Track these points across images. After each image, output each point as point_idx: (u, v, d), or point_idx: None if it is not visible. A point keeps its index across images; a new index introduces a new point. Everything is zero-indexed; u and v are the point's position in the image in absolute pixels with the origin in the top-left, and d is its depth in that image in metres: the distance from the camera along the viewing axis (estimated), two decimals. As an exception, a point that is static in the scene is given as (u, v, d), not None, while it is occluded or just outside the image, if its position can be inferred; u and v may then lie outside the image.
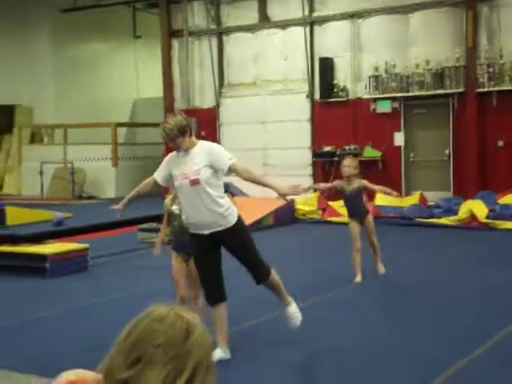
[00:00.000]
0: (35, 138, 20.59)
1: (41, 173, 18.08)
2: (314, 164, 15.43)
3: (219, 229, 4.81)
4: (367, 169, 14.39)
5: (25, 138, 20.17)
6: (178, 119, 4.80)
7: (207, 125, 16.65)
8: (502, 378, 4.57)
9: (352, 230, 7.55)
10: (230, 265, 5.15)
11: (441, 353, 5.02)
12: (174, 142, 4.79)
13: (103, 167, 18.54)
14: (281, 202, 12.82)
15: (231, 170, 4.79)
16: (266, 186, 4.93)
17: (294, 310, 5.23)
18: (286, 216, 12.37)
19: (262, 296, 6.47)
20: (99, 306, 6.74)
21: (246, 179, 4.90)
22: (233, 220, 4.83)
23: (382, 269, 7.73)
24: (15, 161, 19.94)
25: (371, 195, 13.12)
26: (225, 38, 16.59)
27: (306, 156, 15.51)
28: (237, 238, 4.89)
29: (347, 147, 14.76)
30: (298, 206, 12.66)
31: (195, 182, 4.76)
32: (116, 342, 1.38)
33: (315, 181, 15.03)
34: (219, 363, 4.82)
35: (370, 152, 14.67)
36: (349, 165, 7.43)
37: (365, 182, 7.57)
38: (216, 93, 16.58)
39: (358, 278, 7.51)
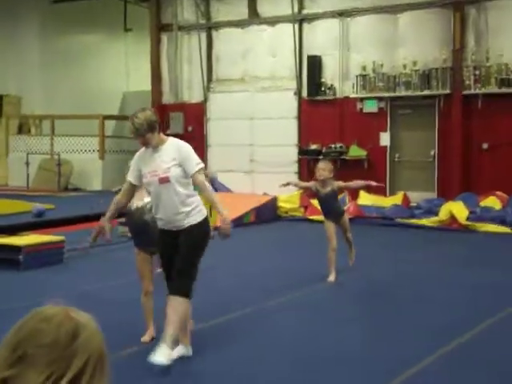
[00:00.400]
0: (23, 129, 20.50)
1: (27, 164, 18.02)
2: (299, 161, 15.43)
3: (184, 226, 4.71)
4: (352, 168, 14.43)
5: (12, 129, 20.08)
6: (148, 114, 4.70)
7: (195, 119, 16.62)
8: (462, 378, 4.58)
9: (328, 229, 7.57)
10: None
11: (407, 351, 5.03)
12: (144, 137, 4.68)
13: (90, 159, 18.50)
14: (263, 199, 12.83)
15: (191, 177, 4.67)
16: (215, 207, 4.74)
17: (172, 352, 4.66)
18: (268, 213, 12.36)
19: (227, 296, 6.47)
20: (70, 298, 6.71)
21: (200, 192, 4.78)
22: (198, 219, 4.70)
23: (351, 261, 7.82)
24: (2, 151, 19.85)
25: (354, 194, 13.16)
26: (214, 33, 16.55)
27: (292, 153, 15.51)
28: (189, 236, 4.70)
29: (333, 145, 14.77)
30: (281, 204, 12.66)
31: (164, 180, 4.66)
32: (4, 338, 1.37)
33: (300, 178, 15.04)
34: (180, 359, 4.84)
35: (356, 151, 14.67)
36: (324, 168, 7.47)
37: (339, 183, 7.64)
38: (204, 88, 16.55)
39: (332, 278, 7.52)
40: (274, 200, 12.69)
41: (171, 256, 4.75)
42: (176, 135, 16.67)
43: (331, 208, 7.55)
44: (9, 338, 1.35)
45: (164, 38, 17.14)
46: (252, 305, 6.47)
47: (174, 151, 4.70)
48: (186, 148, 4.76)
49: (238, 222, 11.75)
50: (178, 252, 4.71)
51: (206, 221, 4.75)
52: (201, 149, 16.43)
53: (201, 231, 4.72)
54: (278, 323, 5.91)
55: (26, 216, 11.65)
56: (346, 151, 14.70)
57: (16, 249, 7.95)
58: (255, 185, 15.64)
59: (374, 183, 7.83)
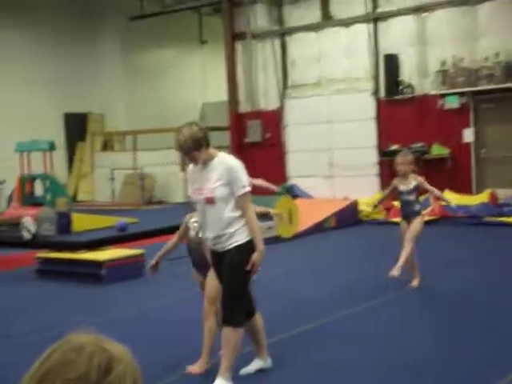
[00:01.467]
0: (107, 145, 21.04)
1: (112, 179, 18.45)
2: (380, 163, 15.10)
3: (228, 247, 4.46)
4: (435, 167, 13.99)
5: (97, 146, 20.64)
6: (193, 130, 4.39)
7: (272, 127, 16.57)
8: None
9: (404, 231, 7.24)
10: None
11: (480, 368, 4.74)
12: (189, 155, 4.42)
13: (172, 172, 18.75)
14: (344, 204, 12.60)
15: (238, 199, 4.42)
16: (253, 236, 4.41)
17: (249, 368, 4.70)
18: (348, 217, 12.12)
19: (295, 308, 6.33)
20: (151, 312, 6.75)
21: (243, 214, 4.44)
22: (242, 240, 4.42)
23: (395, 272, 6.86)
24: (88, 168, 20.43)
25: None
26: (288, 38, 16.46)
27: (372, 155, 15.20)
28: (232, 258, 4.41)
29: (414, 145, 14.36)
30: (362, 207, 12.39)
31: (210, 201, 4.43)
32: (31, 367, 1.27)
33: (381, 180, 14.73)
34: (260, 372, 4.74)
35: (438, 150, 14.22)
36: (402, 161, 7.09)
37: (422, 182, 7.18)
38: (280, 94, 16.47)
39: (415, 282, 7.23)
40: (355, 204, 12.44)
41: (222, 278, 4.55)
42: (254, 143, 16.83)
43: (408, 206, 7.12)
44: (35, 368, 1.22)
45: (238, 46, 17.19)
46: (331, 313, 6.30)
47: (222, 170, 4.42)
48: (236, 168, 4.44)
49: (319, 228, 11.61)
50: (222, 277, 4.50)
51: (250, 242, 4.44)
52: (279, 156, 16.38)
53: (244, 252, 4.42)
54: (360, 331, 5.73)
55: (110, 231, 11.88)
56: (428, 150, 14.26)
57: (98, 264, 8.09)
58: (335, 189, 15.41)
59: (448, 201, 7.33)
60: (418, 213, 7.17)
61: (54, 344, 1.25)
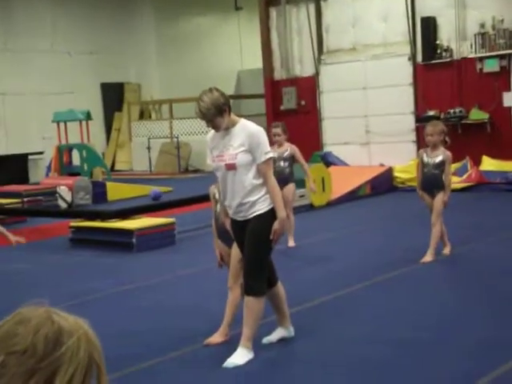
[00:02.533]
0: (144, 115, 21.13)
1: (148, 148, 18.56)
2: (417, 130, 14.82)
3: (250, 216, 4.40)
4: (474, 132, 13.69)
5: (134, 115, 20.74)
6: (215, 96, 4.29)
7: (307, 93, 16.37)
8: None
9: (426, 201, 6.98)
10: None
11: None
12: (212, 122, 4.32)
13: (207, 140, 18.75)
14: (379, 171, 12.45)
15: (259, 166, 4.34)
16: (274, 204, 4.34)
17: (271, 337, 4.68)
18: (383, 184, 11.98)
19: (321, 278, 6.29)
20: (179, 279, 6.79)
21: (263, 182, 4.37)
22: (264, 208, 4.36)
23: (428, 258, 6.79)
24: (126, 137, 20.57)
25: (476, 160, 12.51)
26: (322, 3, 16.16)
27: (409, 122, 14.91)
28: (254, 227, 4.36)
29: (452, 110, 14.04)
30: (397, 174, 12.22)
31: (231, 167, 4.34)
32: None
33: (418, 147, 14.47)
34: (283, 341, 4.73)
35: (477, 114, 13.88)
36: (431, 132, 6.78)
37: (448, 157, 6.74)
38: (315, 60, 16.25)
39: (447, 250, 7.12)
40: (390, 171, 12.28)
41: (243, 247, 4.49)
42: (289, 110, 16.68)
43: (433, 179, 6.81)
44: None
45: (273, 12, 16.95)
46: (359, 282, 6.24)
47: (244, 136, 4.34)
48: (257, 134, 4.37)
49: (353, 195, 11.50)
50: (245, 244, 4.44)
51: (272, 211, 4.37)
52: (315, 123, 16.22)
53: (266, 221, 4.36)
54: (384, 300, 5.67)
55: (145, 200, 11.97)
56: (467, 115, 13.93)
57: (129, 232, 8.16)
58: (372, 156, 15.21)
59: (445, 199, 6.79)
60: (442, 187, 6.85)
61: (7, 317, 1.20)
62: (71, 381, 1.09)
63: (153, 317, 5.52)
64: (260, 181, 4.39)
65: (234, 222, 4.54)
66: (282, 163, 7.77)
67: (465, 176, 12.01)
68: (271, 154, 4.44)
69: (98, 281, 6.87)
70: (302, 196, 10.18)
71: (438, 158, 6.82)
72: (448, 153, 6.87)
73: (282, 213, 4.38)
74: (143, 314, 5.63)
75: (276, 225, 4.36)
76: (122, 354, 4.65)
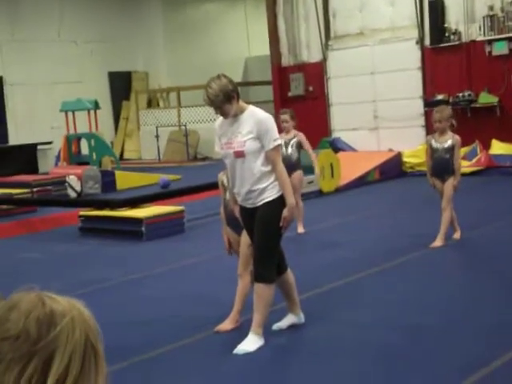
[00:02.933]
0: (151, 103, 21.11)
1: (157, 136, 18.55)
2: (426, 114, 14.74)
3: (258, 204, 4.40)
4: (484, 116, 13.60)
5: (142, 104, 20.72)
6: (223, 82, 4.28)
7: (315, 79, 16.29)
8: None
9: (436, 186, 6.95)
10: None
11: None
12: (221, 109, 4.30)
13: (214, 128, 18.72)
14: (387, 156, 12.40)
15: (268, 153, 4.34)
16: (283, 190, 4.34)
17: (282, 323, 4.68)
18: (392, 170, 11.94)
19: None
20: (190, 268, 6.80)
21: (272, 170, 4.36)
22: (273, 196, 4.36)
23: (438, 243, 6.77)
24: (134, 126, 20.57)
25: (485, 144, 12.44)
26: (329, -12, 16.05)
27: (418, 106, 14.82)
28: (263, 214, 4.36)
29: (461, 94, 13.95)
30: (405, 159, 12.17)
31: (239, 155, 4.33)
32: None
33: (427, 132, 14.39)
34: (293, 327, 4.73)
35: (486, 98, 13.78)
36: (439, 119, 6.70)
37: (457, 141, 6.71)
38: (323, 46, 16.16)
39: (457, 235, 7.09)
40: (399, 156, 12.23)
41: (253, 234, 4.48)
42: (297, 97, 16.61)
43: (443, 164, 6.76)
44: None
45: (279, -2, 16.86)
46: (369, 267, 6.24)
47: (252, 123, 4.32)
48: (266, 121, 4.35)
49: (362, 181, 11.47)
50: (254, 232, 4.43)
51: (281, 198, 4.37)
52: (323, 109, 16.15)
53: (275, 208, 4.35)
54: (394, 286, 5.66)
55: (154, 188, 11.98)
56: (476, 99, 13.84)
57: (138, 221, 8.17)
58: (380, 141, 15.15)
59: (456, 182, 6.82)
60: (453, 172, 6.80)
61: None
62: (70, 363, 1.09)
63: (162, 305, 5.54)
64: (269, 168, 4.38)
65: (243, 209, 4.53)
66: (289, 150, 7.75)
67: (474, 160, 11.96)
68: (279, 141, 4.43)
69: (107, 270, 6.90)
70: (310, 182, 10.16)
71: (448, 143, 6.78)
72: (457, 137, 6.83)
73: (291, 199, 4.38)
74: (153, 302, 5.65)
75: (285, 212, 4.36)
76: (131, 342, 4.67)
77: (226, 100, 4.28)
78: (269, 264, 4.41)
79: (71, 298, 1.18)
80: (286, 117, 7.88)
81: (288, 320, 4.79)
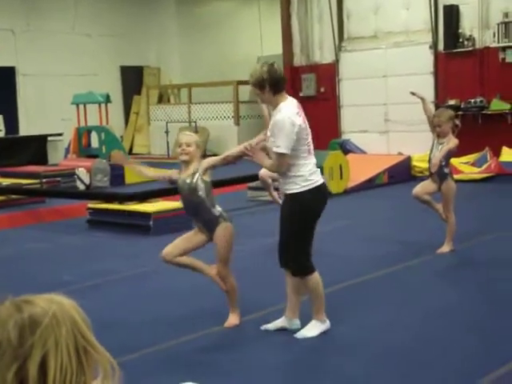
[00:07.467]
0: (162, 98, 21.14)
1: (167, 132, 18.58)
2: (437, 119, 14.70)
3: (285, 191, 4.46)
4: (495, 123, 13.57)
5: (152, 99, 20.76)
6: (262, 70, 4.32)
7: (327, 80, 16.30)
8: None
9: (422, 185, 6.85)
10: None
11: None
12: (254, 92, 4.42)
13: (225, 125, 18.75)
14: (396, 159, 12.38)
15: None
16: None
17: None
18: (401, 173, 11.92)
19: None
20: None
21: (299, 163, 4.39)
22: (295, 189, 4.36)
23: (446, 248, 6.73)
24: (144, 121, 20.61)
25: (496, 151, 12.42)
26: (344, -11, 16.04)
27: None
28: (284, 205, 4.47)
29: (473, 100, 13.93)
30: (415, 163, 12.15)
31: (266, 150, 4.49)
32: None
33: (437, 136, 14.37)
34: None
35: (498, 105, 13.75)
36: (438, 123, 6.42)
37: (450, 140, 6.43)
38: (335, 47, 16.15)
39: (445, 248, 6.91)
40: (408, 160, 12.22)
41: None
42: (308, 97, 16.58)
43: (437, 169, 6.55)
44: None
45: (294, -2, 16.86)
46: (377, 270, 6.23)
47: (272, 121, 4.39)
48: (279, 124, 4.30)
49: (370, 184, 11.47)
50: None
51: (305, 193, 4.34)
52: (333, 110, 16.15)
53: (294, 205, 4.38)
54: (402, 290, 5.66)
55: (162, 183, 11.98)
56: (488, 105, 13.82)
57: (146, 215, 8.19)
58: (390, 145, 15.14)
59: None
60: (446, 176, 6.62)
61: None
62: (65, 357, 1.11)
63: (171, 298, 5.56)
64: (293, 161, 4.36)
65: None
66: None
67: (484, 167, 11.94)
68: (281, 150, 4.28)
69: (114, 263, 6.92)
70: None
71: (444, 144, 6.49)
72: (454, 139, 6.51)
73: (265, 162, 4.44)
74: (160, 295, 5.66)
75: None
76: (140, 335, 4.69)
77: (255, 85, 4.35)
78: (298, 258, 4.43)
79: (48, 293, 1.20)
80: None
81: (280, 323, 4.67)
